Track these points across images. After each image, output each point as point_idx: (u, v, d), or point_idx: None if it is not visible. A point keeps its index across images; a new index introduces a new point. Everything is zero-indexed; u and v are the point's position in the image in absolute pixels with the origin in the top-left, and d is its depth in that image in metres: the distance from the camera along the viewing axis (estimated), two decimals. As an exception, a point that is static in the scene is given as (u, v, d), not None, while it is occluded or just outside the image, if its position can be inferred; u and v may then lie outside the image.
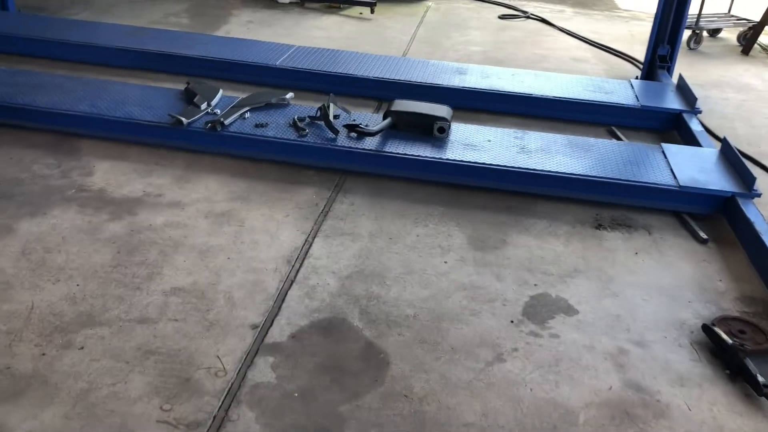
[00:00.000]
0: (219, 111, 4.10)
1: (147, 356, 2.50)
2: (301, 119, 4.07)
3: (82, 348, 2.51)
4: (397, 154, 3.78)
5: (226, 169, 3.84)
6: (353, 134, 3.83)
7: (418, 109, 4.02)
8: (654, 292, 3.05)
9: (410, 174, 3.83)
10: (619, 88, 4.98)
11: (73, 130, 4.06)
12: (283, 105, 4.28)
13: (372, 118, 4.17)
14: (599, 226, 3.54)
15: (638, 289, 3.06)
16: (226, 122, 3.92)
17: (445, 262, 3.16)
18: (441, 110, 4.05)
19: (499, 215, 3.58)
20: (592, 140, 4.12)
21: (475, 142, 3.96)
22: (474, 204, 3.66)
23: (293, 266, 3.05)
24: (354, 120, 4.07)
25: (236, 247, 3.16)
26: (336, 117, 4.11)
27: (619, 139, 4.51)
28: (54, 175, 3.67)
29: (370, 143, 3.85)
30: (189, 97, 4.24)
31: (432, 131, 3.96)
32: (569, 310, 2.89)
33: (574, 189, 3.71)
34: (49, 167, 3.74)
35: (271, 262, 3.07)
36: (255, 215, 3.42)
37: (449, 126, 3.98)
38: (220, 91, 4.34)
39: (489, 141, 3.99)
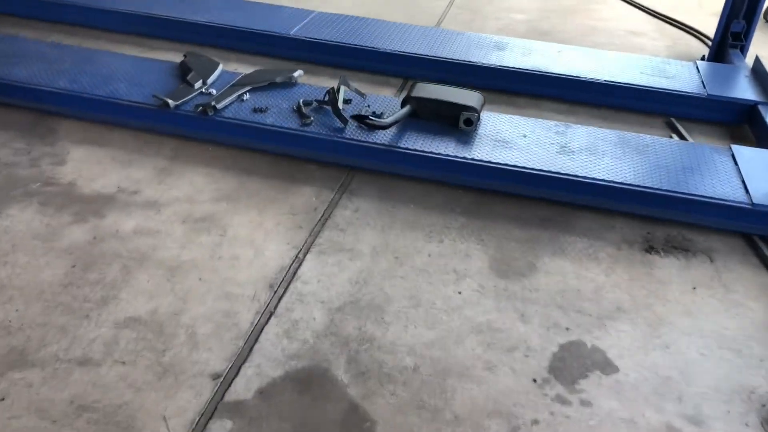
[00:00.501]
0: (215, 91, 3.58)
1: (80, 413, 2.04)
2: (308, 103, 3.53)
3: (3, 399, 2.06)
4: (414, 150, 3.21)
5: (217, 160, 3.33)
6: (363, 126, 3.26)
7: (442, 96, 3.43)
8: (715, 343, 2.47)
9: (428, 174, 3.27)
10: (683, 71, 4.29)
11: (52, 108, 3.59)
12: (289, 85, 3.73)
13: (390, 104, 3.60)
14: (650, 249, 2.94)
15: (695, 338, 2.48)
16: (219, 106, 3.39)
17: (460, 293, 2.62)
18: (470, 98, 3.45)
19: (531, 230, 3.00)
20: (647, 138, 3.48)
21: (507, 137, 3.36)
22: (501, 214, 3.09)
23: (275, 292, 2.55)
24: (368, 106, 3.51)
25: (212, 263, 2.67)
26: (348, 102, 3.55)
27: (680, 136, 3.84)
28: (21, 162, 3.22)
29: (383, 136, 3.29)
30: (184, 73, 3.72)
31: (458, 123, 3.37)
32: (607, 367, 2.34)
33: (622, 200, 3.11)
34: (18, 153, 3.28)
35: (249, 286, 2.57)
36: (241, 221, 2.92)
37: (478, 118, 3.38)
38: (220, 66, 3.81)
39: (525, 137, 3.38)
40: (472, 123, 3.36)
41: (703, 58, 4.80)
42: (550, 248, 2.90)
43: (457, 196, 3.20)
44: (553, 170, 3.13)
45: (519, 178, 3.16)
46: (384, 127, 3.21)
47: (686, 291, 2.72)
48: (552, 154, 3.25)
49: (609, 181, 3.09)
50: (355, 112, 3.42)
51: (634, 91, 4.08)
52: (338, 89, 3.48)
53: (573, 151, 3.29)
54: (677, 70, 4.30)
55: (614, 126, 3.89)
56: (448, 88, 3.53)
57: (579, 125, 3.56)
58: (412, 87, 3.54)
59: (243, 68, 4.17)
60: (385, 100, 3.66)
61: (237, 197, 3.07)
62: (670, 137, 3.83)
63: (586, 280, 2.74)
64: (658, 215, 3.12)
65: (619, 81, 4.11)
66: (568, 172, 3.12)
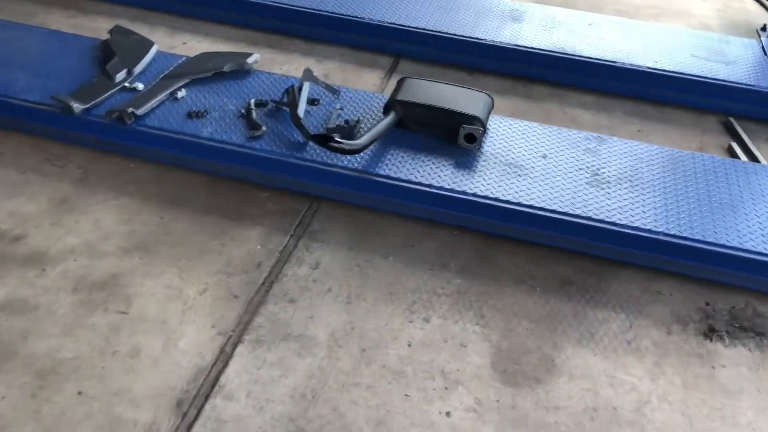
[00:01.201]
0: (141, 86, 2.73)
1: None
2: (261, 104, 2.69)
3: None
4: (397, 180, 2.41)
5: (137, 184, 2.53)
6: (328, 150, 2.42)
7: (437, 102, 2.59)
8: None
9: (416, 210, 2.46)
10: (746, 53, 3.40)
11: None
12: (242, 74, 2.88)
13: (372, 103, 2.77)
14: (710, 333, 2.16)
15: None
16: (140, 111, 2.56)
17: (448, 414, 1.86)
18: (473, 103, 2.61)
19: (549, 299, 2.21)
20: (705, 160, 2.65)
21: (521, 158, 2.54)
22: (510, 273, 2.31)
23: (185, 416, 1.80)
24: (340, 109, 2.70)
25: (102, 363, 1.91)
26: (314, 102, 2.71)
27: (742, 146, 2.99)
28: None
29: (357, 158, 2.47)
30: (106, 58, 2.86)
31: (456, 137, 2.53)
32: None
33: (673, 256, 2.30)
34: None
35: (148, 406, 1.81)
36: (154, 287, 2.14)
37: (484, 131, 2.54)
38: (154, 48, 2.95)
39: (544, 157, 2.55)
40: (475, 140, 2.53)
41: (764, 29, 3.86)
42: (575, 331, 2.12)
43: (452, 242, 2.40)
44: (582, 214, 2.32)
45: (535, 222, 2.35)
46: (354, 152, 2.38)
47: (764, 408, 1.95)
48: (580, 185, 2.43)
49: (656, 232, 2.27)
50: (323, 120, 2.59)
51: (684, 82, 3.21)
52: (299, 88, 2.63)
53: (608, 181, 2.46)
54: (738, 51, 3.41)
55: (656, 128, 3.07)
56: (446, 88, 2.68)
57: (614, 139, 2.72)
58: (399, 86, 2.69)
59: (195, 43, 3.31)
60: (365, 98, 2.81)
61: (154, 247, 2.28)
62: (730, 149, 2.98)
63: (624, 389, 1.97)
64: (719, 278, 2.32)
65: (665, 69, 3.24)
66: (600, 216, 2.31)
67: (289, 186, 2.54)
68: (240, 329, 2.05)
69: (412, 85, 2.70)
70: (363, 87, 3.18)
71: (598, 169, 2.53)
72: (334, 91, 2.79)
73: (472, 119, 2.54)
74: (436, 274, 2.28)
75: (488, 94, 2.71)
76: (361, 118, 2.66)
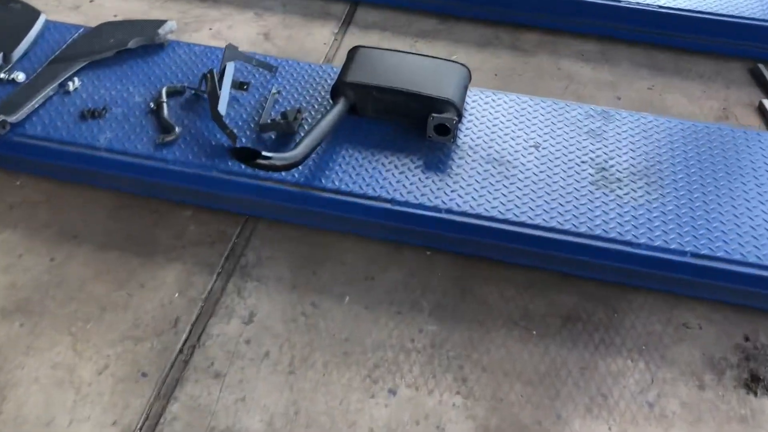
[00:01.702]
0: (22, 75, 2.14)
1: None
2: (175, 92, 2.12)
3: None
4: (348, 194, 1.86)
5: (22, 210, 2.01)
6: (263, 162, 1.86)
7: (399, 83, 2.02)
8: None
9: (376, 231, 1.93)
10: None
11: None
12: (154, 49, 2.27)
13: (320, 83, 2.18)
14: (753, 382, 1.70)
15: None
16: (15, 118, 1.98)
17: None
18: (446, 79, 2.05)
19: (549, 346, 1.75)
20: (739, 138, 2.10)
21: (508, 151, 2.01)
22: (499, 310, 1.85)
23: None
24: (278, 92, 2.16)
25: (-38, 498, 1.43)
26: (243, 87, 2.13)
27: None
28: None
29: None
30: (-22, 37, 2.25)
31: (425, 126, 1.98)
32: None
33: (702, 276, 1.80)
34: None
35: None
36: (38, 370, 1.65)
37: (459, 120, 1.98)
38: (42, 18, 2.33)
39: (537, 147, 2.00)
40: (448, 131, 1.97)
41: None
42: (583, 395, 1.65)
43: (424, 270, 1.90)
44: (586, 232, 1.80)
45: (527, 243, 1.83)
46: (291, 167, 1.82)
47: (828, 496, 1.51)
48: (582, 187, 1.90)
49: (682, 252, 1.76)
50: (255, 110, 2.03)
51: (703, 22, 2.63)
52: (222, 72, 2.04)
53: (617, 179, 1.93)
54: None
55: (670, 83, 2.56)
56: (410, 61, 2.11)
57: (623, 113, 2.18)
58: (350, 60, 2.11)
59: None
60: (309, 73, 2.24)
61: (41, 305, 1.77)
62: (761, 108, 2.44)
63: (650, 480, 1.52)
64: (760, 303, 1.83)
65: (679, 7, 2.64)
66: (611, 234, 1.79)
67: (216, 203, 1.99)
68: (149, 425, 1.56)
69: (367, 57, 2.11)
70: (312, 47, 2.60)
71: (605, 162, 1.99)
72: (270, 67, 2.21)
73: (443, 105, 1.98)
74: (404, 320, 1.79)
75: (463, 66, 2.13)
76: (304, 106, 2.10)
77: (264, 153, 1.74)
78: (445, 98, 1.99)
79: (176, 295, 1.82)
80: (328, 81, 2.19)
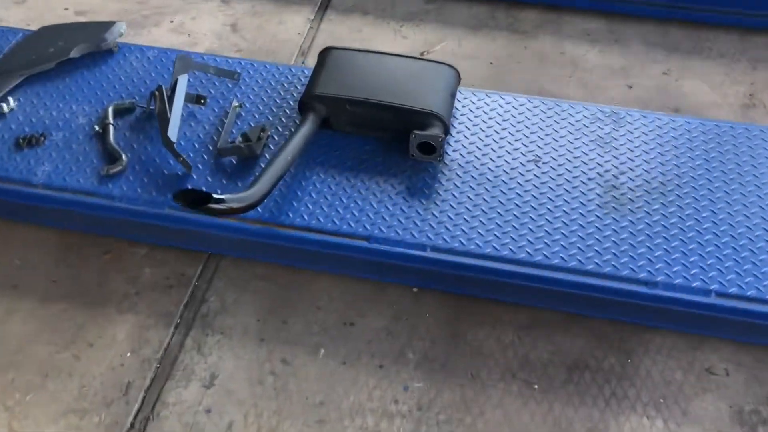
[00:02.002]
0: (-53, 97, 1.89)
1: None
2: (124, 110, 1.86)
3: None
4: (318, 231, 1.63)
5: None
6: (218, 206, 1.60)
7: (377, 94, 1.77)
8: None
9: (355, 268, 1.70)
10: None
11: None
12: (102, 56, 2.01)
13: (289, 85, 1.92)
14: (790, 441, 1.47)
15: None
16: (-62, 154, 1.73)
17: None
18: (431, 86, 1.80)
19: (554, 404, 1.54)
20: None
21: (504, 168, 1.77)
22: (496, 359, 1.64)
23: None
24: (238, 107, 1.89)
25: None
26: (201, 101, 1.88)
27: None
28: None
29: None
30: None
31: (408, 141, 1.72)
32: None
33: (732, 314, 1.56)
34: None
35: None
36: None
37: (447, 135, 1.72)
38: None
39: (537, 162, 1.74)
40: (434, 150, 1.70)
41: None
42: (593, 464, 1.43)
43: (410, 313, 1.68)
44: (596, 270, 1.55)
45: (526, 281, 1.59)
46: (249, 208, 1.57)
47: None
48: (589, 211, 1.66)
49: (706, 292, 1.52)
50: (213, 129, 1.78)
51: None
52: (174, 87, 1.78)
53: (630, 199, 1.68)
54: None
55: (689, 65, 2.30)
56: (389, 64, 1.84)
57: (635, 113, 1.93)
58: (320, 65, 1.85)
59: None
60: (277, 77, 1.99)
61: (-26, 375, 1.56)
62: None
63: None
64: (797, 342, 1.60)
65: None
66: (623, 272, 1.55)
67: (173, 240, 1.76)
68: None
69: (339, 62, 1.84)
70: (285, 37, 2.34)
71: (615, 178, 1.73)
72: (231, 74, 1.94)
73: (427, 118, 1.72)
74: (387, 375, 1.57)
75: (451, 68, 1.85)
76: (270, 120, 1.84)
77: (216, 195, 1.48)
78: (430, 111, 1.73)
79: (128, 354, 1.60)
80: (298, 86, 1.93)
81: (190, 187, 1.54)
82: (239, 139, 1.76)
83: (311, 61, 2.22)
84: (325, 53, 1.88)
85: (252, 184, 1.57)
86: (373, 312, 1.67)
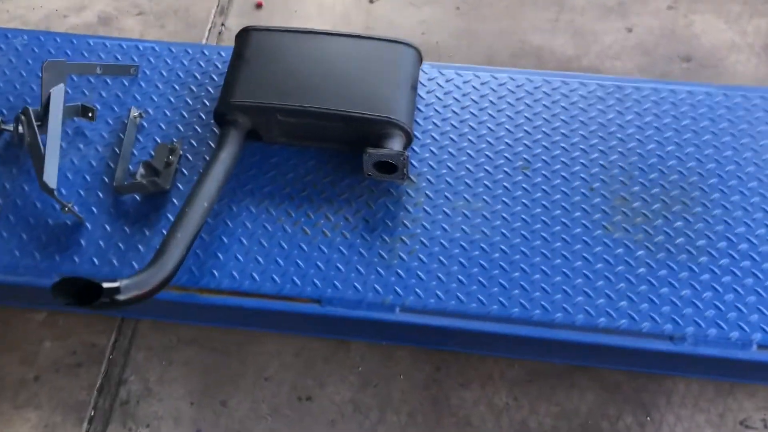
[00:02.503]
0: None
1: None
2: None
3: None
4: (247, 294, 1.28)
5: None
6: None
7: (312, 99, 1.34)
8: None
9: (305, 330, 1.36)
10: None
11: None
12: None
13: (204, 74, 1.50)
14: None
15: None
16: None
17: None
18: (387, 82, 1.38)
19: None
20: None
21: (482, 181, 1.40)
22: (488, 427, 1.32)
23: None
24: (139, 132, 1.45)
25: None
26: (88, 114, 1.46)
27: None
28: None
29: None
30: None
31: (360, 149, 1.34)
32: None
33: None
34: None
35: None
36: None
37: (407, 157, 1.31)
38: None
39: (524, 171, 1.37)
40: (395, 170, 1.32)
41: None
42: None
43: (380, 376, 1.37)
44: (602, 325, 1.23)
45: (518, 342, 1.27)
46: (156, 291, 1.18)
47: None
48: (593, 237, 1.32)
49: (746, 344, 1.22)
50: (109, 148, 1.40)
51: None
52: (45, 104, 1.34)
53: (643, 214, 1.33)
54: None
55: None
56: (328, 47, 1.42)
57: (645, 83, 1.52)
58: (239, 54, 1.42)
59: None
60: (190, 62, 1.54)
61: None
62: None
63: None
64: None
65: None
66: (640, 325, 1.23)
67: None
68: None
69: (264, 49, 1.41)
70: (201, 7, 1.83)
71: (624, 183, 1.38)
72: (125, 70, 1.48)
73: (385, 128, 1.32)
74: (354, 467, 1.27)
75: (410, 47, 1.42)
76: (180, 134, 1.42)
77: (107, 285, 1.10)
78: (387, 118, 1.32)
79: (29, 462, 1.27)
80: (215, 77, 1.50)
81: (68, 276, 1.13)
82: (141, 171, 1.34)
83: (234, 23, 1.76)
84: (242, 37, 1.43)
85: (159, 252, 1.18)
86: (334, 379, 1.35)
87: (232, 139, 1.33)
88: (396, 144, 1.32)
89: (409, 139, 1.35)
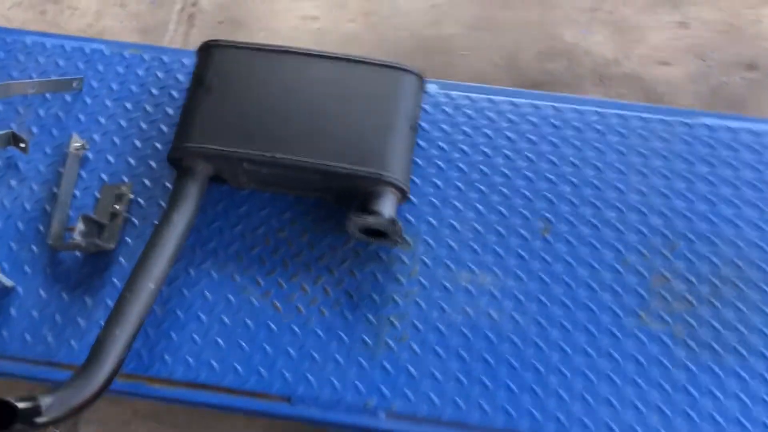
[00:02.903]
0: None
1: None
2: None
3: None
4: (209, 387, 1.08)
5: None
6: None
7: (286, 147, 1.08)
8: None
9: (276, 417, 1.16)
10: None
11: None
12: None
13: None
14: None
15: None
16: None
17: None
18: (382, 131, 1.12)
19: None
20: None
21: (495, 251, 1.16)
22: None
23: None
24: (83, 166, 1.21)
25: None
26: (20, 144, 1.21)
27: None
28: None
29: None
30: None
31: (340, 201, 1.11)
32: None
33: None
34: None
35: None
36: None
37: (399, 227, 1.07)
38: None
39: (544, 233, 1.13)
40: (385, 237, 1.08)
41: None
42: None
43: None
44: (635, 444, 1.02)
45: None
46: (87, 404, 0.98)
47: None
48: (622, 329, 1.07)
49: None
50: (45, 186, 1.19)
51: None
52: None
53: (687, 300, 1.09)
54: None
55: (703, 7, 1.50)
56: (308, 72, 1.16)
57: (670, 112, 1.23)
58: (198, 83, 1.15)
59: None
60: (145, 73, 1.30)
61: None
62: None
63: None
64: None
65: None
66: (678, 443, 1.02)
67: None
68: None
69: (230, 74, 1.13)
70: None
71: (668, 250, 1.13)
72: (66, 85, 1.23)
73: (374, 185, 1.07)
74: None
75: (412, 74, 1.15)
76: (131, 171, 1.18)
77: (22, 405, 0.90)
78: (378, 175, 1.06)
79: None
80: (178, 89, 1.24)
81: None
82: (80, 226, 1.10)
83: (208, 3, 1.47)
84: (205, 56, 1.16)
85: (91, 355, 0.97)
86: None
87: (190, 191, 1.09)
88: (387, 206, 1.07)
89: (404, 195, 1.10)
